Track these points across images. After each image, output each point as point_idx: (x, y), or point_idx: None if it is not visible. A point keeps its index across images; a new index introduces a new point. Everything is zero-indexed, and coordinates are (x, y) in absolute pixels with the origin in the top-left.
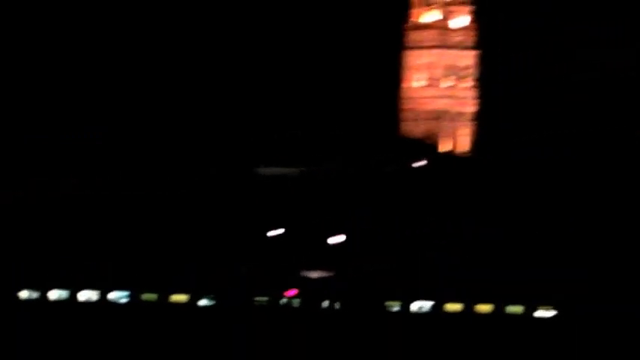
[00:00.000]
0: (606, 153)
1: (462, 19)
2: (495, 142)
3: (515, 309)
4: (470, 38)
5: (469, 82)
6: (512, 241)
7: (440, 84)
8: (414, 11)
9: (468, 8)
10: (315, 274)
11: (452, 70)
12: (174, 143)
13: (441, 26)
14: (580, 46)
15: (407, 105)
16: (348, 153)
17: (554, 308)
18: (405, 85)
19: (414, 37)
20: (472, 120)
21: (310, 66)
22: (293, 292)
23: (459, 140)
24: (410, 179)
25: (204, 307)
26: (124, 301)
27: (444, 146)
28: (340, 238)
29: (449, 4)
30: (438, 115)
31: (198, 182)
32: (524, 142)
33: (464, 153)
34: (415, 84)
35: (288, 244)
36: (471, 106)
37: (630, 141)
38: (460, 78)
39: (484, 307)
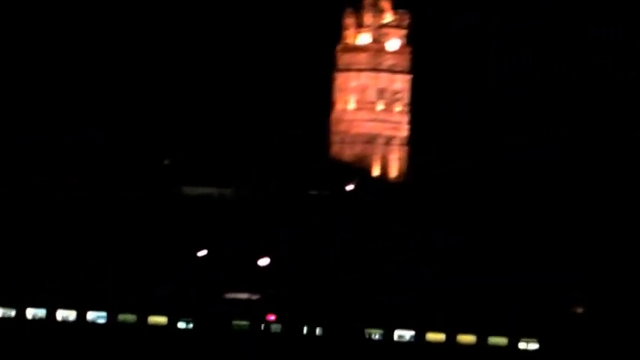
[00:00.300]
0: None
1: (394, 42)
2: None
3: (499, 340)
4: (403, 62)
5: (402, 106)
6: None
7: (372, 107)
8: (347, 33)
9: (401, 32)
10: (242, 296)
11: (384, 94)
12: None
13: (374, 49)
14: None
15: (338, 128)
16: (278, 175)
17: (537, 341)
18: (337, 107)
19: (346, 59)
20: (404, 144)
21: (242, 87)
22: (273, 316)
23: (391, 164)
24: (342, 202)
25: (183, 330)
26: (101, 321)
27: (376, 170)
28: (265, 261)
29: (382, 26)
30: (371, 139)
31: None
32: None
33: (396, 177)
34: (347, 107)
35: (215, 265)
36: (403, 130)
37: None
38: (393, 101)
39: (467, 338)
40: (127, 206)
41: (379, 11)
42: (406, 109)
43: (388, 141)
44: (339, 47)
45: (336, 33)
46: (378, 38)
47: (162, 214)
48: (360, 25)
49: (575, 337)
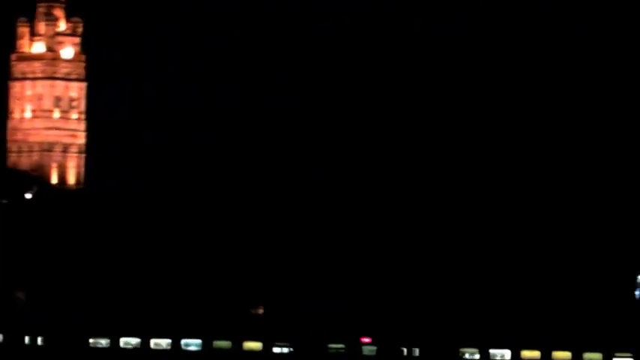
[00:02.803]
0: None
1: (69, 51)
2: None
3: (594, 356)
4: (78, 69)
5: (78, 114)
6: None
7: (49, 115)
8: (21, 42)
9: (75, 39)
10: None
11: (60, 102)
12: None
13: (48, 57)
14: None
15: (15, 137)
16: None
17: (633, 355)
18: (13, 116)
19: (21, 68)
20: (82, 151)
21: None
22: (368, 339)
23: (69, 172)
24: (21, 212)
25: (279, 355)
26: (195, 349)
27: (54, 178)
28: None
29: (56, 35)
30: (48, 147)
31: None
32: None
33: (75, 184)
34: (24, 115)
35: None
36: (80, 138)
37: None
38: (69, 109)
39: (562, 355)
40: None
41: (52, 20)
42: (82, 116)
43: (65, 149)
44: (13, 56)
45: (9, 42)
46: (52, 47)
47: None
48: (33, 34)
49: None
